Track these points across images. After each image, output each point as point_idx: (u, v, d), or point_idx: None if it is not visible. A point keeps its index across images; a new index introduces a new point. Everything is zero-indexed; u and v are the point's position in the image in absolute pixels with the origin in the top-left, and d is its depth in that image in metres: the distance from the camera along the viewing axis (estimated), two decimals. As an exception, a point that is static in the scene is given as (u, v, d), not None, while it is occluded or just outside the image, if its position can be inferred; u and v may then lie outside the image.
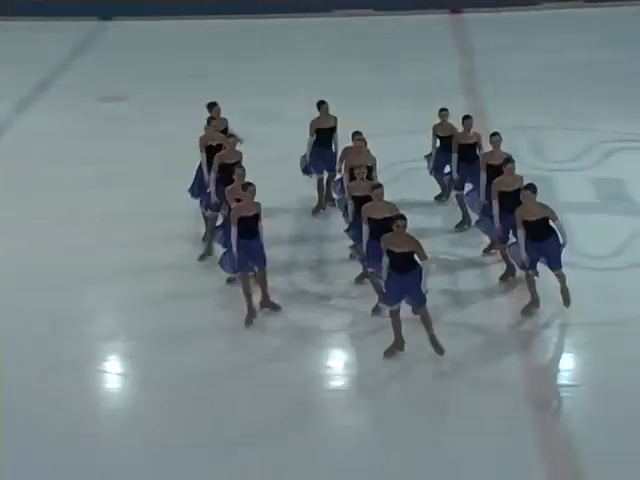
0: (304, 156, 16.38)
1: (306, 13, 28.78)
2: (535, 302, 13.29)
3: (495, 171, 14.08)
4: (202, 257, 15.18)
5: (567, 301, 13.22)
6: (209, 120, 15.63)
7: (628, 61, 24.02)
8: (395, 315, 12.42)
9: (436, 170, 16.23)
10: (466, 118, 15.45)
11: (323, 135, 16.19)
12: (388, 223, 12.35)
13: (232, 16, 28.60)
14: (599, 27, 27.43)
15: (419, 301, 12.33)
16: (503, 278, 14.19)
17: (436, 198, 16.69)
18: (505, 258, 14.09)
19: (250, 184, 13.36)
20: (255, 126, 19.00)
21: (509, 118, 19.46)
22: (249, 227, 13.31)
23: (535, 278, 13.16)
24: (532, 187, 12.94)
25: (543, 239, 12.94)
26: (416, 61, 24.97)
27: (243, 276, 13.45)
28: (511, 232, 13.70)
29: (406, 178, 17.31)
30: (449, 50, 26.00)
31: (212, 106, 15.97)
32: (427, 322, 12.43)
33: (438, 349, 12.41)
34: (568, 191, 16.87)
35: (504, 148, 14.49)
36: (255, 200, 13.34)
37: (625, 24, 27.42)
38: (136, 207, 17.02)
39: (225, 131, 15.80)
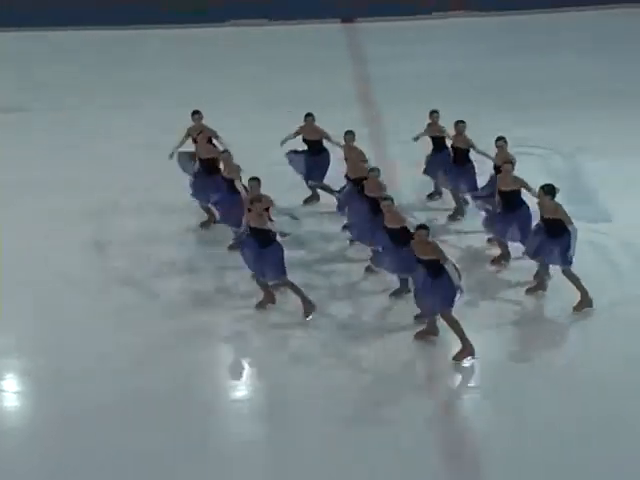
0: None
1: (202, 24, 28.67)
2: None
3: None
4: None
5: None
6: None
7: (527, 69, 24.45)
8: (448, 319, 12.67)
9: (428, 170, 16.62)
10: (459, 122, 15.81)
11: (310, 145, 16.62)
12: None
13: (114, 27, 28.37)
14: (488, 36, 27.88)
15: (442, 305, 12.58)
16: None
17: (429, 196, 17.00)
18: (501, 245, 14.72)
19: (259, 199, 13.52)
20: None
21: (404, 125, 19.54)
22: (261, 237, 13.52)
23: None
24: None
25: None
26: (309, 70, 24.99)
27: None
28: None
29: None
30: (343, 59, 26.12)
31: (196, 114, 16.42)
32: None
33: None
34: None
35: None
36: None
37: (515, 34, 27.95)
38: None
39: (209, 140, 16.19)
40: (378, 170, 14.55)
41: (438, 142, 16.34)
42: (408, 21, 28.97)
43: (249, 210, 13.67)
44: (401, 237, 13.31)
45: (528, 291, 14.06)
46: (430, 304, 12.68)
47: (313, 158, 16.62)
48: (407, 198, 16.81)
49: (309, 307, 13.68)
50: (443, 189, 16.81)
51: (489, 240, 15.29)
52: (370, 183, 14.48)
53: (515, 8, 29.07)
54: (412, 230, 12.82)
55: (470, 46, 26.92)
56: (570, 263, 13.38)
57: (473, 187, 15.81)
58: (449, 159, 16.13)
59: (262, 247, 13.52)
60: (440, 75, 24.21)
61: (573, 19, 28.74)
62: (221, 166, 15.66)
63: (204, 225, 16.45)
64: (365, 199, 14.59)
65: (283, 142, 16.58)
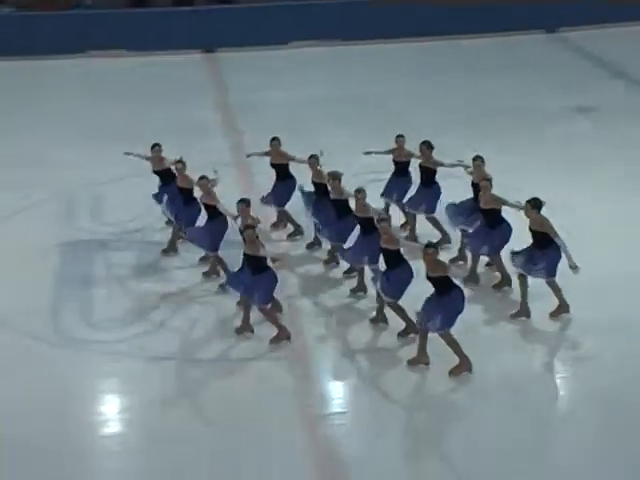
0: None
1: (61, 55, 28.32)
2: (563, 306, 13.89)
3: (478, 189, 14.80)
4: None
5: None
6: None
7: (380, 96, 24.85)
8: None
9: (387, 194, 16.48)
10: (424, 144, 15.86)
11: (277, 169, 16.57)
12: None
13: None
14: (351, 64, 28.32)
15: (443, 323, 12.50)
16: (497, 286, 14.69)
17: (402, 226, 16.70)
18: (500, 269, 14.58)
19: (251, 226, 13.37)
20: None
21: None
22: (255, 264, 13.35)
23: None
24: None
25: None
26: (171, 100, 24.86)
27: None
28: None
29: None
30: (205, 89, 26.12)
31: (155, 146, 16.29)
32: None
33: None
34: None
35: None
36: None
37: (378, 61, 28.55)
38: None
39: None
40: (364, 191, 14.46)
41: (401, 166, 16.35)
42: (268, 51, 29.22)
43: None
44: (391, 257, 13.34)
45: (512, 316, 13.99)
46: (431, 321, 12.59)
47: (280, 183, 16.57)
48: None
49: (283, 334, 13.46)
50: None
51: (488, 265, 15.18)
52: (358, 204, 14.42)
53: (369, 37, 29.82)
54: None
55: (332, 74, 27.32)
56: (554, 275, 13.58)
57: (432, 210, 15.86)
58: (410, 184, 16.23)
59: (256, 274, 13.32)
60: (303, 102, 24.37)
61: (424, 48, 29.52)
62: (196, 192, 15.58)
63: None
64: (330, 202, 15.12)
65: (249, 155, 16.98)
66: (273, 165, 16.67)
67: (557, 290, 13.70)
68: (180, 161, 15.69)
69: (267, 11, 30.06)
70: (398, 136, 16.39)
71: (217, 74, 27.85)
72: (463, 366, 12.64)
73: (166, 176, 16.34)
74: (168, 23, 29.70)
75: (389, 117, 22.49)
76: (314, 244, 16.26)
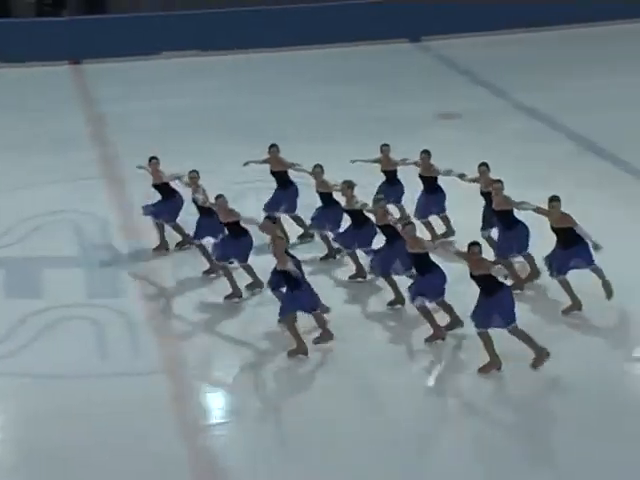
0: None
1: None
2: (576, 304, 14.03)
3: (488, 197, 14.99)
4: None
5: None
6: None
7: (246, 106, 25.00)
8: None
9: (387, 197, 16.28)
10: (423, 152, 15.97)
11: (277, 177, 16.33)
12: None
13: None
14: (218, 74, 28.35)
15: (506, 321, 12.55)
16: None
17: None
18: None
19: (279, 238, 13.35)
20: None
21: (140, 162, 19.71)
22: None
23: None
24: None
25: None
26: (39, 112, 24.59)
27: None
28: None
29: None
30: (73, 101, 25.85)
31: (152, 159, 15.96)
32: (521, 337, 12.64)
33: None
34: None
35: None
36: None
37: (245, 71, 28.64)
38: None
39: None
40: (385, 200, 14.57)
41: (391, 175, 16.42)
42: (136, 62, 29.11)
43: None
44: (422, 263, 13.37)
45: (564, 312, 14.11)
46: (488, 320, 12.58)
47: (280, 191, 16.36)
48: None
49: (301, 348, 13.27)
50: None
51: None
52: (379, 213, 14.34)
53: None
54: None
55: (202, 84, 27.25)
56: (593, 262, 13.84)
57: (444, 210, 16.05)
58: (403, 189, 16.38)
59: (293, 289, 13.19)
60: (171, 112, 24.33)
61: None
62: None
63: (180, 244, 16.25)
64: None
65: (246, 163, 16.62)
66: (273, 173, 16.41)
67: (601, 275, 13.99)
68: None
69: (135, 22, 29.90)
70: (383, 145, 16.46)
71: (84, 85, 27.57)
72: (493, 365, 12.75)
73: (165, 190, 16.09)
74: (33, 34, 29.26)
75: (252, 126, 22.64)
76: (328, 256, 15.96)
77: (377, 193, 15.70)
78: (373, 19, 30.63)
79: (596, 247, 13.65)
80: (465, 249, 12.78)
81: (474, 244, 12.65)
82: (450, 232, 16.25)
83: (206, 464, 11.40)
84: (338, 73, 28.21)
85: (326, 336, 13.45)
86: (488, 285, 12.56)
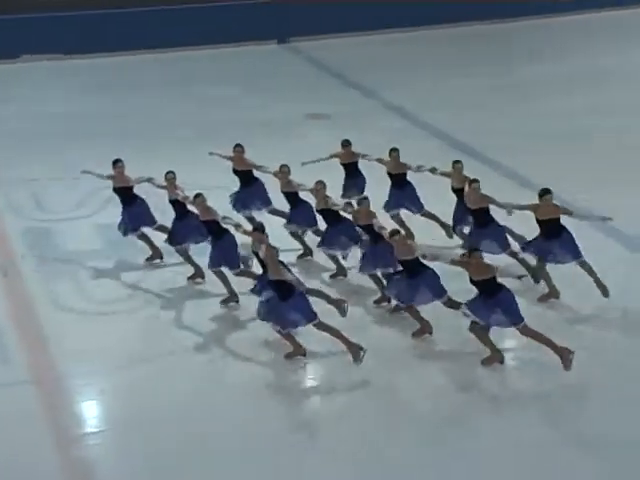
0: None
1: None
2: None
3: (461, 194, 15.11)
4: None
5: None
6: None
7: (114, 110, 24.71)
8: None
9: (346, 193, 16.42)
10: (393, 150, 15.92)
11: (241, 176, 16.26)
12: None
13: None
14: (84, 78, 28.01)
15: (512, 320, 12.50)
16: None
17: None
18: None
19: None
20: None
21: (12, 171, 19.44)
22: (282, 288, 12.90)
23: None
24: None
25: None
26: None
27: None
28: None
29: None
30: None
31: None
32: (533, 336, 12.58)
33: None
34: (75, 240, 16.86)
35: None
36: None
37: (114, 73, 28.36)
38: None
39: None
40: (367, 199, 14.35)
41: (351, 167, 16.48)
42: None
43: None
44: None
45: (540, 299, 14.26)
46: (488, 318, 12.50)
47: (245, 189, 16.28)
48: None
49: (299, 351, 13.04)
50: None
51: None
52: (362, 212, 14.16)
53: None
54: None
55: (63, 88, 26.95)
56: (581, 255, 13.92)
57: (420, 207, 16.02)
58: (363, 186, 16.38)
59: (284, 299, 12.76)
60: (36, 117, 23.95)
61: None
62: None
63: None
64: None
65: (211, 153, 16.57)
66: (235, 172, 16.32)
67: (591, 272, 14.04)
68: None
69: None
70: (345, 141, 16.48)
71: None
72: (494, 358, 12.76)
73: (125, 194, 15.68)
74: None
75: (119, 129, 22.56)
76: (305, 254, 15.94)
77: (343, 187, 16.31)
78: (239, 20, 30.57)
79: (605, 219, 14.23)
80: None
81: (475, 250, 12.71)
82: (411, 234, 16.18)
83: (81, 475, 11.15)
84: (207, 74, 28.11)
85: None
86: (490, 288, 12.58)
